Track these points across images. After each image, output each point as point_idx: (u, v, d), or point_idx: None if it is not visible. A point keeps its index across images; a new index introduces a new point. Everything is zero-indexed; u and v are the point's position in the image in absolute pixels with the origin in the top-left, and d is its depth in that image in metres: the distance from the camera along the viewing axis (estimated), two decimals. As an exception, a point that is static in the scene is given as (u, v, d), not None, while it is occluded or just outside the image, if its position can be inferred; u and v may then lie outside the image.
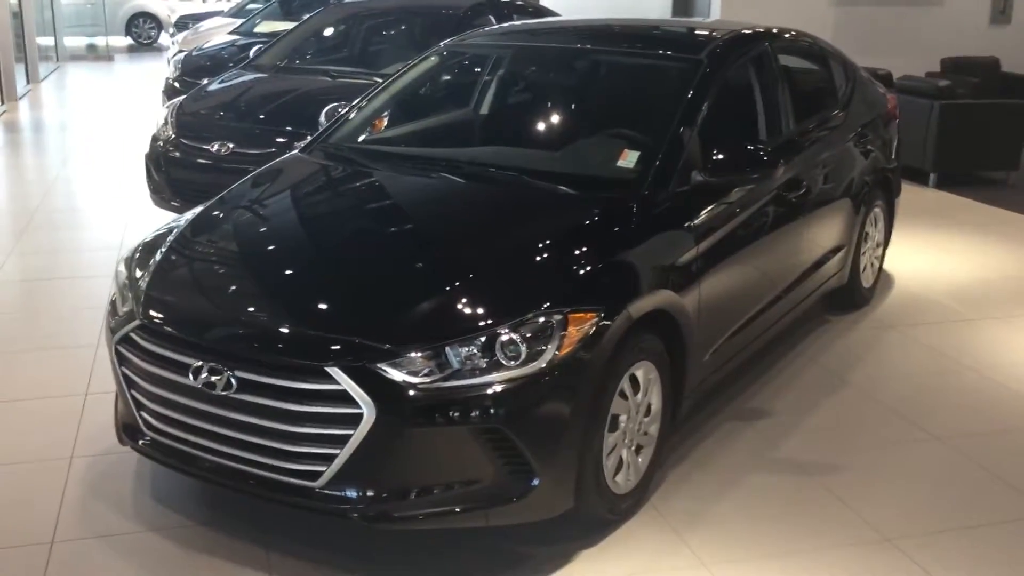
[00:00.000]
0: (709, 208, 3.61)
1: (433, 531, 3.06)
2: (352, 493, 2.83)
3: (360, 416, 2.75)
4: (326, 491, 2.84)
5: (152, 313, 3.13)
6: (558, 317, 2.90)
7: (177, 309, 3.16)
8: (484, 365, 2.81)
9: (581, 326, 2.93)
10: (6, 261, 5.98)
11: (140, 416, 3.14)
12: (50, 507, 3.31)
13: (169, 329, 3.07)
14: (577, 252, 3.19)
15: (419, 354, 2.80)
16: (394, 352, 2.80)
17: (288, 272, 3.27)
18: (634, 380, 3.21)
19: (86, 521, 3.24)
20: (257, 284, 3.25)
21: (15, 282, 5.70)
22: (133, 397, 3.14)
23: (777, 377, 4.41)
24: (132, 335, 3.11)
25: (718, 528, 3.27)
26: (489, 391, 2.79)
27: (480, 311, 2.92)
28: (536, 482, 2.88)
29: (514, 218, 3.46)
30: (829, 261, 4.73)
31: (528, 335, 2.86)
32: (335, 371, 2.78)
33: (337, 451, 2.79)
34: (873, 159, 5.09)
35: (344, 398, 2.77)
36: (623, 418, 3.19)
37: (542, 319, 2.89)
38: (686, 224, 3.49)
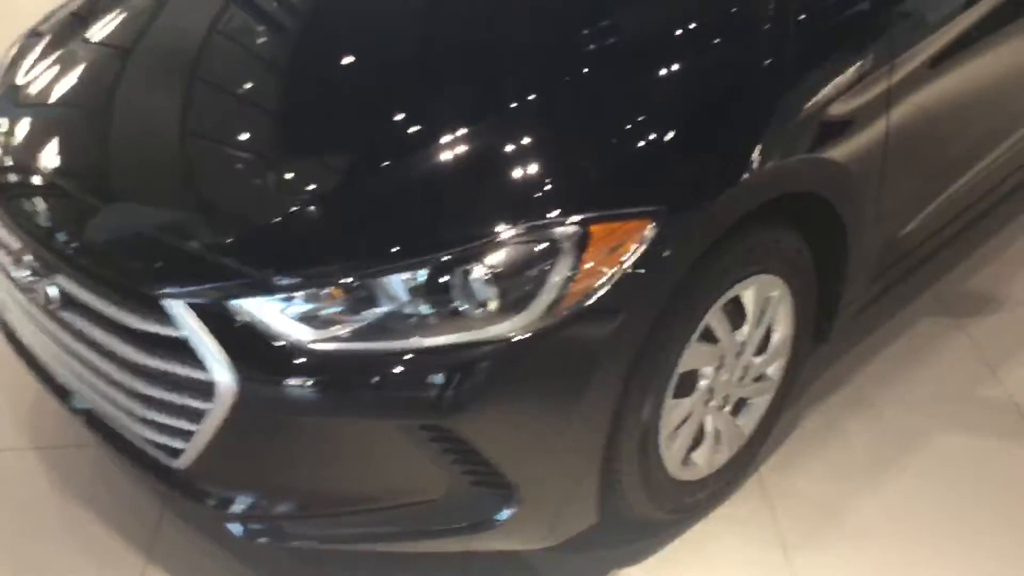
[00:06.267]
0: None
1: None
2: (227, 492, 1.77)
3: (212, 385, 1.62)
4: (194, 481, 1.80)
5: None
6: (569, 230, 1.60)
7: (18, 174, 2.00)
8: (428, 315, 1.60)
9: (617, 243, 1.62)
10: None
11: None
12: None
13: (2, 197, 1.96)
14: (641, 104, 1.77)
15: (314, 289, 1.61)
16: (271, 283, 1.63)
17: (154, 142, 1.95)
18: (733, 304, 1.90)
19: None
20: (109, 155, 1.97)
21: None
22: None
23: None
24: None
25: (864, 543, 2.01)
26: (429, 366, 1.58)
27: (427, 226, 1.64)
28: (512, 508, 1.71)
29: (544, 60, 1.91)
30: None
31: (502, 267, 1.59)
32: (172, 305, 1.63)
33: (194, 427, 1.71)
34: None
35: (188, 350, 1.64)
36: (706, 372, 1.92)
37: (538, 236, 1.60)
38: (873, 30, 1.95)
